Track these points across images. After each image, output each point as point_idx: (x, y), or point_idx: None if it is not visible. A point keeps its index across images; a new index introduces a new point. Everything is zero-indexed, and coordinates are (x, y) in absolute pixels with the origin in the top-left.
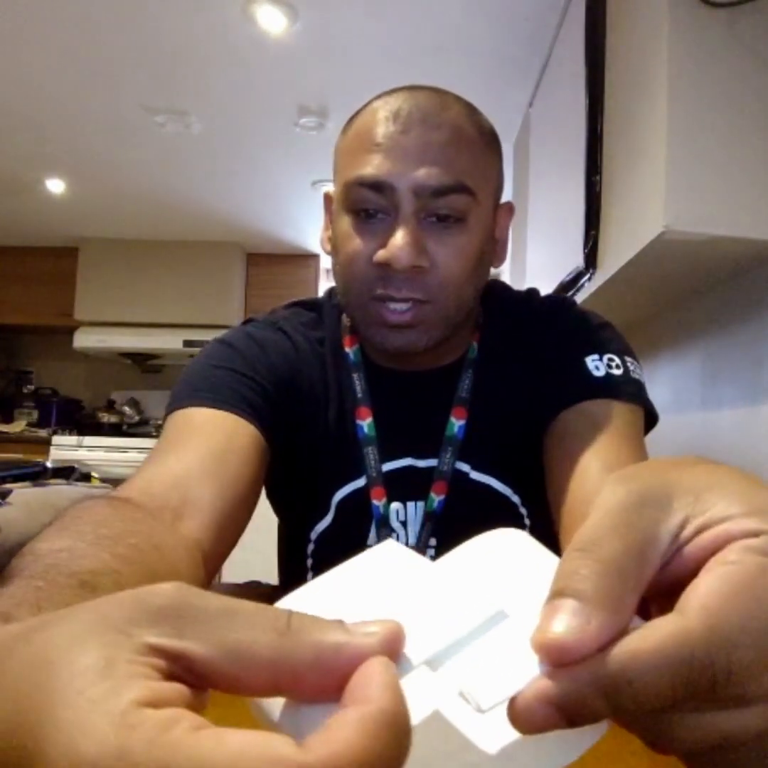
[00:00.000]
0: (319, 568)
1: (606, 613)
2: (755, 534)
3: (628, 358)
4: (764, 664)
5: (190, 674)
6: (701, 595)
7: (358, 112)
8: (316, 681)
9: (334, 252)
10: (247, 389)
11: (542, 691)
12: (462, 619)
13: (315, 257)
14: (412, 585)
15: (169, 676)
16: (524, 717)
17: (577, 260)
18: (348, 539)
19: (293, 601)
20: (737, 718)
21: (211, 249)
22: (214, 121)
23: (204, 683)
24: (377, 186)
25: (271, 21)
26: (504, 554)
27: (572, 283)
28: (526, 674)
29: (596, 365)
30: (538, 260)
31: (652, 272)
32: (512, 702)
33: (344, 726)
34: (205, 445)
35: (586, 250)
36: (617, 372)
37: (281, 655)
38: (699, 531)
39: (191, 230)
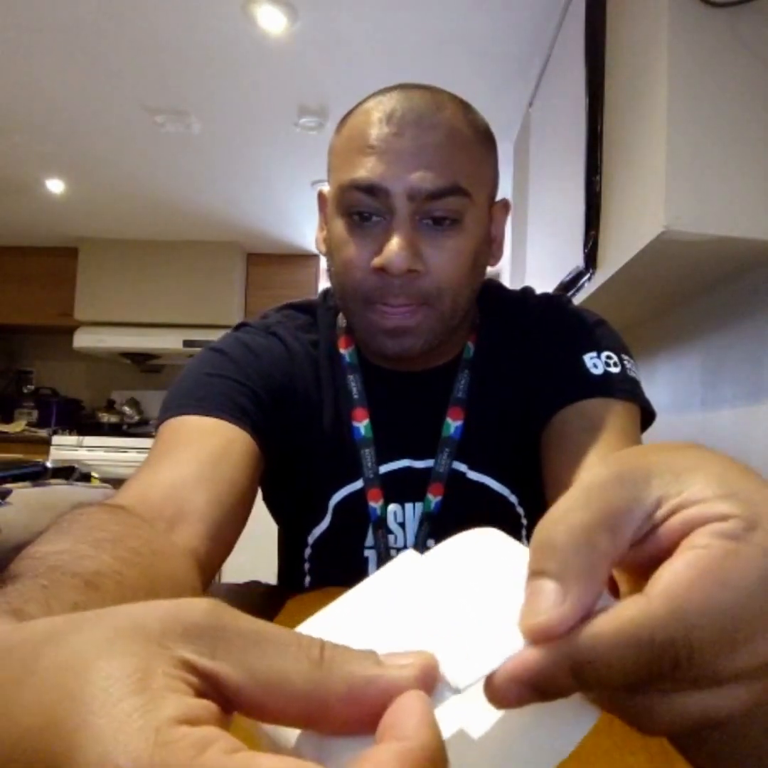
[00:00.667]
0: (316, 572)
1: (578, 588)
2: (725, 518)
3: (624, 356)
4: (727, 645)
5: (219, 696)
6: (666, 579)
7: (351, 112)
8: (347, 714)
9: (329, 254)
10: (241, 396)
11: (513, 672)
12: (465, 627)
13: (315, 257)
14: (424, 601)
15: (201, 693)
16: (499, 695)
17: (577, 260)
18: (345, 542)
19: (315, 625)
20: (711, 698)
21: (211, 249)
22: (214, 121)
23: (231, 706)
24: (371, 189)
25: (271, 21)
26: (488, 552)
27: (572, 283)
28: (499, 655)
29: (594, 363)
30: (538, 260)
31: (652, 272)
32: (487, 682)
33: (384, 761)
34: (200, 453)
35: (586, 250)
36: (615, 370)
37: (314, 687)
38: (673, 511)
39: (191, 230)
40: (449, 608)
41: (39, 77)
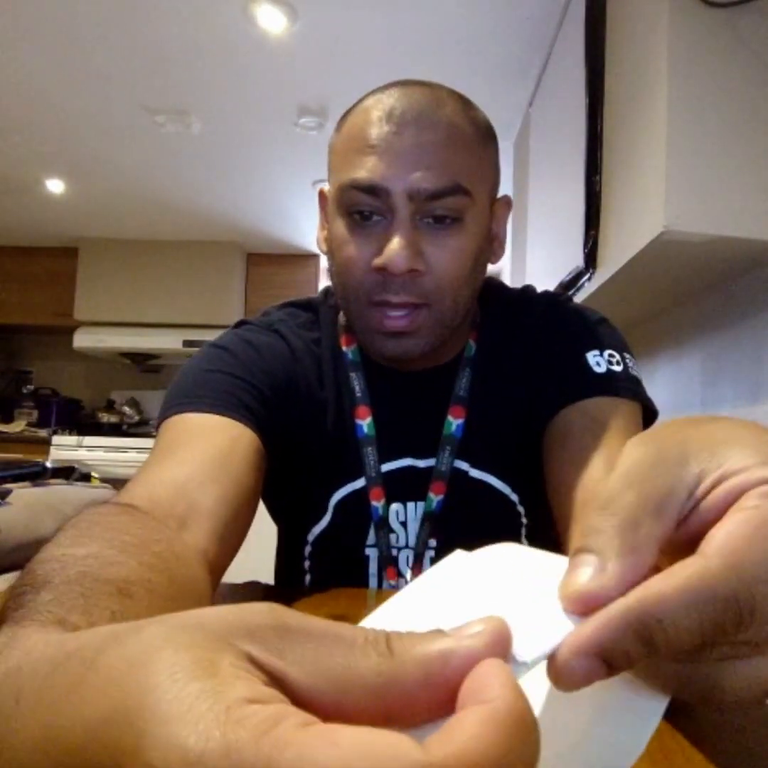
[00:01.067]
0: (317, 570)
1: (621, 560)
2: None
3: (626, 354)
4: None
5: (289, 699)
6: (720, 538)
7: (351, 110)
8: (429, 699)
9: (330, 254)
10: (244, 393)
11: (579, 643)
12: (521, 610)
13: (315, 257)
14: (477, 594)
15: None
16: (565, 673)
17: (577, 260)
18: (346, 541)
19: (375, 620)
20: None
21: (211, 249)
22: (214, 121)
23: (302, 710)
24: (371, 189)
25: (271, 21)
26: (527, 556)
27: (572, 283)
28: (560, 630)
29: (597, 361)
30: (538, 260)
31: (652, 272)
32: (551, 662)
33: (470, 725)
34: (206, 451)
35: (586, 250)
36: (617, 368)
37: (389, 679)
38: (715, 485)
39: (191, 230)
40: (503, 597)
41: (39, 77)
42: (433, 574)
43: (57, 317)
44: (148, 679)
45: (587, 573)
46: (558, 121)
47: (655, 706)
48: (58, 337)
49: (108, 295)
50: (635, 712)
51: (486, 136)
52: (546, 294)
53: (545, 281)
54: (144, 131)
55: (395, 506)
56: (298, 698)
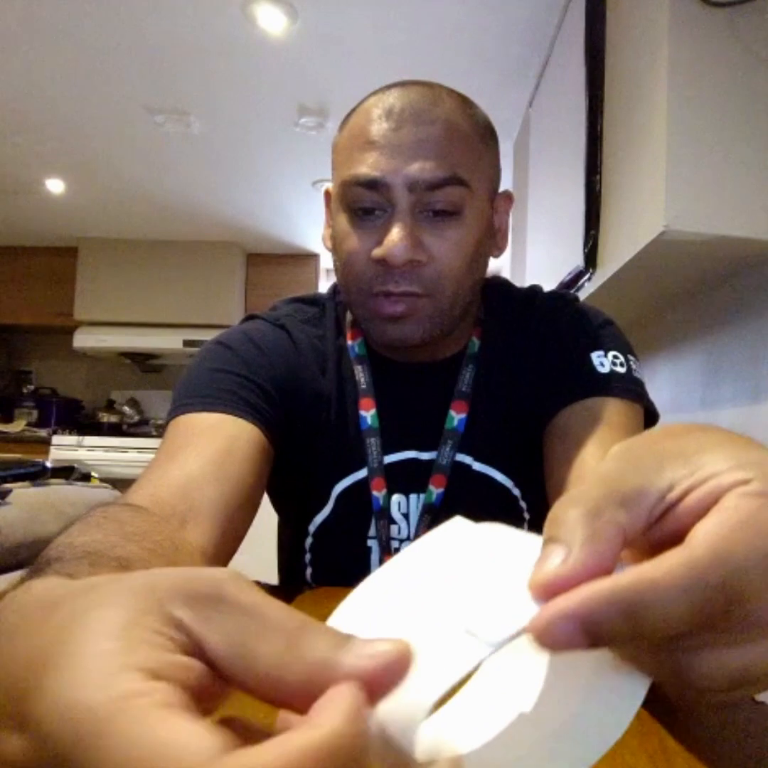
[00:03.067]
0: (318, 562)
1: (584, 547)
2: (747, 481)
3: (630, 357)
4: None
5: (205, 660)
6: (706, 531)
7: (353, 110)
8: (307, 698)
9: (334, 250)
10: (247, 391)
11: (564, 605)
12: (494, 593)
13: (315, 257)
14: (457, 572)
15: (189, 653)
16: (548, 633)
17: (577, 260)
18: (347, 531)
19: (359, 597)
20: (752, 651)
21: (211, 249)
22: (214, 121)
23: (215, 672)
24: (372, 184)
25: (271, 21)
26: (509, 536)
27: (572, 282)
28: (526, 614)
29: (601, 361)
30: (538, 260)
31: (652, 272)
32: (536, 620)
33: (270, 748)
34: (208, 451)
35: (586, 250)
36: (621, 370)
37: (281, 669)
38: (687, 492)
39: (191, 230)
40: (478, 578)
41: (39, 77)
42: (423, 545)
43: (57, 317)
44: (74, 630)
45: (554, 562)
46: (558, 121)
47: (638, 687)
48: (58, 337)
49: (108, 295)
50: (620, 692)
51: (485, 134)
52: (553, 294)
53: (545, 281)
54: (144, 131)
55: (397, 497)
56: (214, 663)
